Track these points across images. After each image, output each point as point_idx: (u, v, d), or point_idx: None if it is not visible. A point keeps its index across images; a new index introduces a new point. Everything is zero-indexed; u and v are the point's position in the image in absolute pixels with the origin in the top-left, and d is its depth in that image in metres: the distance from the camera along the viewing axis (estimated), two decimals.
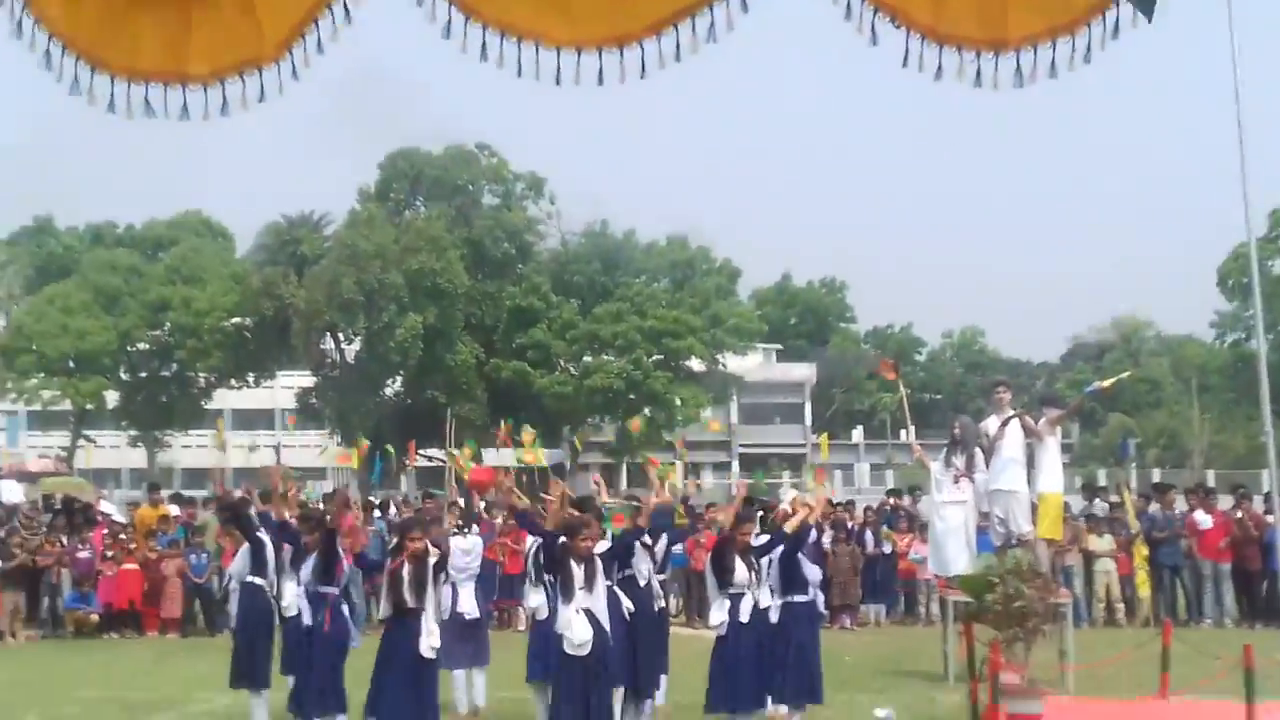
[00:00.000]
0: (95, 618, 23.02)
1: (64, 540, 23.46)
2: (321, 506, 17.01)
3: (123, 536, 23.80)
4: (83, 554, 23.28)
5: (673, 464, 23.17)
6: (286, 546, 13.39)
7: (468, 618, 14.32)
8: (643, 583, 13.20)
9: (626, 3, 3.21)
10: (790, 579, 12.64)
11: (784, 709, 12.70)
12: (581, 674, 11.06)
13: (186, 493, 31.01)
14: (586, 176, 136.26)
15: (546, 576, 12.47)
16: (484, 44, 3.33)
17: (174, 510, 25.89)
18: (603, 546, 12.32)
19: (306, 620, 12.40)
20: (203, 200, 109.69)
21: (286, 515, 13.47)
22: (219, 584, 22.62)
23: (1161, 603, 23.25)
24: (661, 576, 14.40)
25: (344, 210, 64.86)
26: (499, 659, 14.74)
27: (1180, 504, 24.39)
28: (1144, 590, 23.17)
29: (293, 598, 12.85)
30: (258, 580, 13.28)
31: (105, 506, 29.02)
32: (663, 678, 13.64)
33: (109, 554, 23.35)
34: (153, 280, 67.12)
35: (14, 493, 34.38)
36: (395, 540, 12.12)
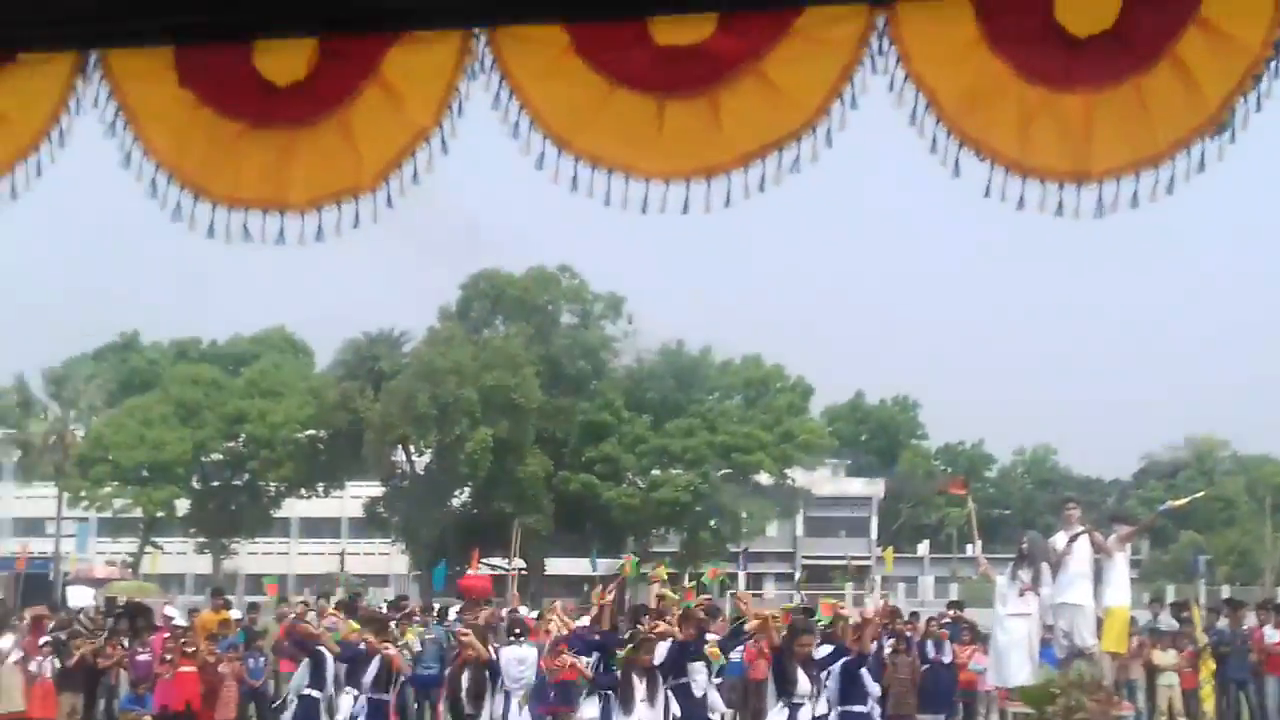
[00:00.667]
0: (148, 719, 23.08)
1: (125, 643, 23.63)
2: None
3: (183, 640, 23.94)
4: (142, 657, 23.38)
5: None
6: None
7: None
8: (699, 693, 13.22)
9: (716, 136, 3.35)
10: (850, 691, 12.60)
11: None
12: None
13: (250, 598, 31.15)
14: (665, 296, 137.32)
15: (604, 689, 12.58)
16: (575, 175, 3.46)
17: (236, 614, 26.05)
18: (660, 655, 12.36)
19: None
20: (286, 316, 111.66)
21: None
22: (275, 687, 22.77)
23: (1227, 716, 22.77)
24: (717, 680, 14.42)
25: (424, 327, 65.86)
26: None
27: (1250, 619, 24.00)
28: (1208, 704, 22.70)
29: (347, 711, 12.96)
30: (315, 693, 13.41)
31: (170, 611, 29.26)
32: None
33: (167, 657, 23.47)
34: (232, 394, 68.19)
35: (83, 597, 34.79)
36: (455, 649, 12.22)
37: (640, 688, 11.28)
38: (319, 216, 3.65)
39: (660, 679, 11.54)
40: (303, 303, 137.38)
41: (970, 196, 3.33)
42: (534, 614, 24.77)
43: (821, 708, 12.32)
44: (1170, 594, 47.80)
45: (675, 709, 12.47)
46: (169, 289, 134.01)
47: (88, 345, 77.88)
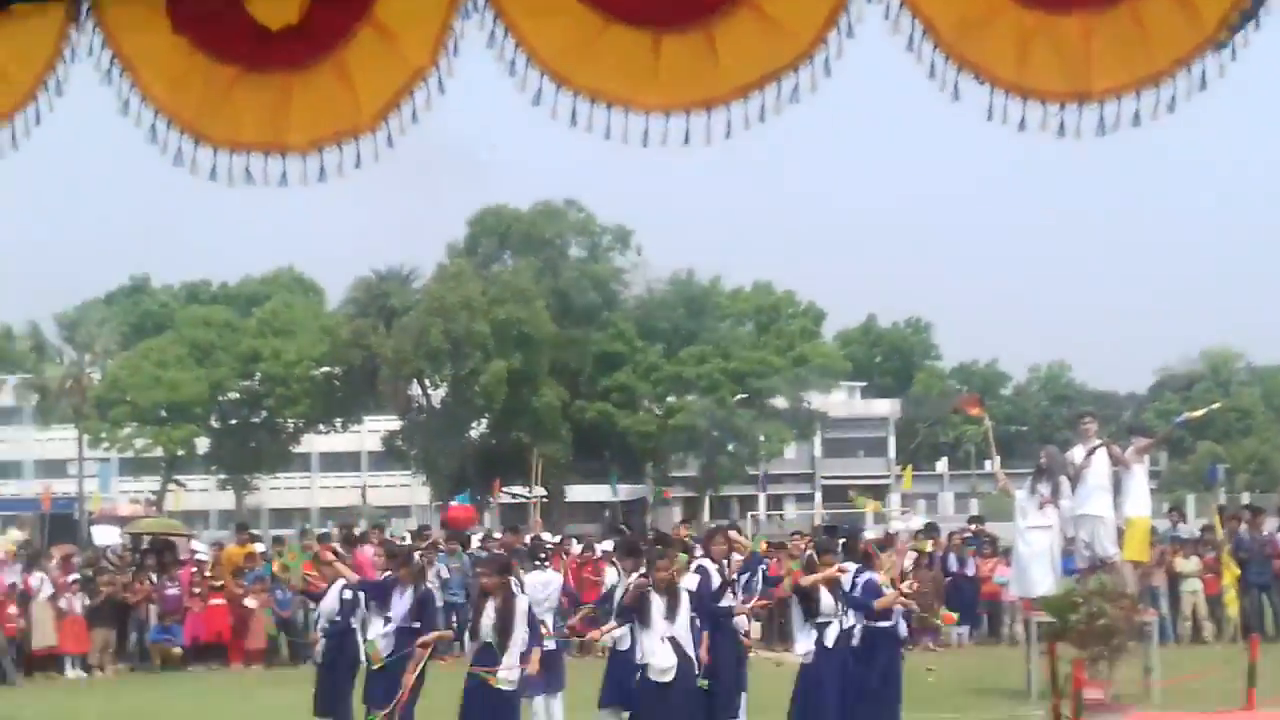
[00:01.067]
0: (178, 650, 23.41)
1: (153, 578, 23.95)
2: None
3: (210, 574, 24.21)
4: (171, 591, 23.78)
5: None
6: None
7: (545, 649, 14.47)
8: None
9: (714, 68, 3.32)
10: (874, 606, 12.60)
11: None
12: (664, 702, 11.15)
13: (275, 532, 31.32)
14: (672, 226, 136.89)
15: (629, 611, 12.67)
16: (574, 110, 3.43)
17: (260, 548, 26.29)
18: (691, 582, 12.40)
19: (389, 654, 12.49)
20: (296, 257, 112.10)
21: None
22: (304, 617, 23.01)
23: (1251, 620, 22.92)
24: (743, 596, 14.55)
25: (433, 264, 66.11)
26: (575, 685, 14.82)
27: (1270, 525, 24.21)
28: (1232, 609, 22.89)
29: (377, 635, 12.96)
30: (346, 620, 13.40)
31: (195, 546, 29.53)
32: (742, 695, 13.70)
33: (196, 590, 23.79)
34: (245, 334, 68.44)
35: (109, 535, 35.10)
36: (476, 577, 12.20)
37: (660, 604, 11.31)
38: (320, 158, 3.64)
39: (682, 596, 11.53)
40: (309, 243, 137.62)
41: (976, 116, 3.31)
42: (556, 538, 25.01)
43: (849, 620, 12.37)
44: (1190, 504, 48.01)
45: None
46: (176, 232, 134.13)
47: (98, 290, 78.23)
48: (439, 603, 22.73)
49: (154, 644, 23.54)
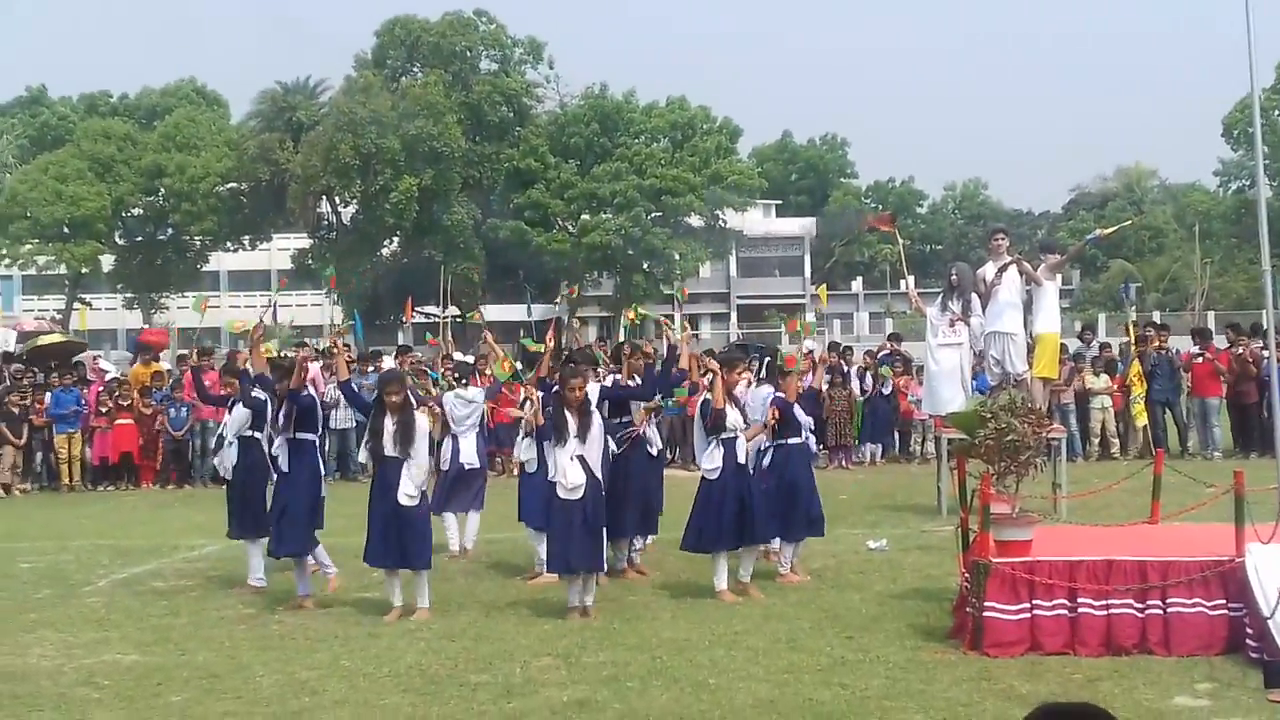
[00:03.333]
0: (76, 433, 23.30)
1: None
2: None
3: (117, 394, 23.83)
4: (77, 410, 23.42)
5: (669, 316, 23.03)
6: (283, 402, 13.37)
7: (468, 467, 14.43)
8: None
9: None
10: (784, 423, 12.55)
11: (779, 544, 12.78)
12: (574, 519, 11.15)
13: (182, 351, 30.81)
14: (586, 39, 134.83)
15: (540, 427, 12.56)
16: None
17: (166, 367, 25.91)
18: (593, 391, 12.29)
19: (283, 468, 12.36)
20: (196, 69, 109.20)
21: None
22: (202, 437, 22.98)
23: (1157, 436, 23.36)
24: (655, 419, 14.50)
25: (340, 77, 64.43)
26: (490, 505, 14.83)
27: (1174, 342, 24.58)
28: (1139, 421, 23.27)
29: (281, 449, 12.79)
30: (255, 434, 13.14)
31: (103, 365, 29.05)
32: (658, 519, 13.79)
33: (103, 409, 23.42)
34: (147, 148, 66.61)
35: (6, 342, 34.65)
36: (375, 395, 11.98)
37: (573, 423, 11.26)
38: None
39: (594, 417, 11.46)
40: (209, 54, 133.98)
41: None
42: (470, 358, 24.87)
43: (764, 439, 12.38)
44: (1101, 322, 48.65)
45: (612, 445, 12.55)
46: (71, 42, 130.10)
47: None
48: (350, 423, 22.69)
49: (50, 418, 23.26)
